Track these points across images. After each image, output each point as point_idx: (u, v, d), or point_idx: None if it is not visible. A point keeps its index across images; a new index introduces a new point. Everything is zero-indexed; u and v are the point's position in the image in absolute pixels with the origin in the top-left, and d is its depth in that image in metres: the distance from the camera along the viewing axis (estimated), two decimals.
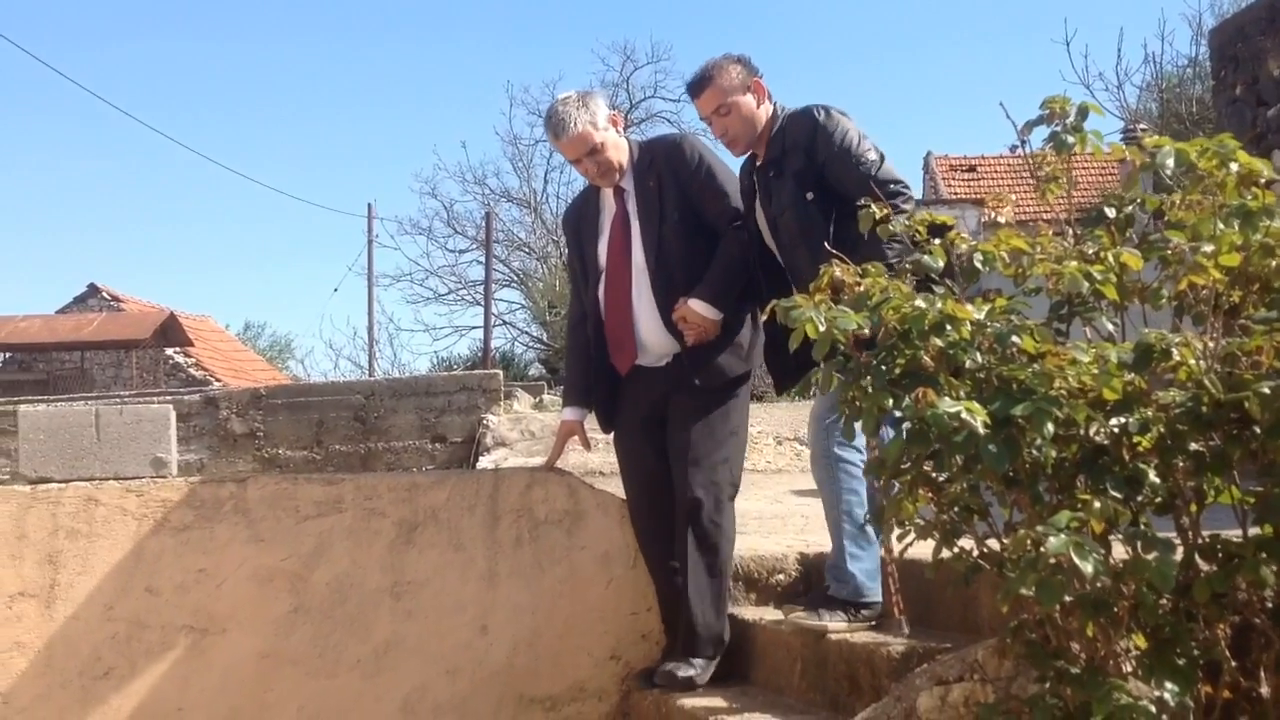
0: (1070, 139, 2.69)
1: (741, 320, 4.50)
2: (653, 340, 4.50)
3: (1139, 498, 2.42)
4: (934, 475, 2.55)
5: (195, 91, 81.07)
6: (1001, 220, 2.94)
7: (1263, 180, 2.61)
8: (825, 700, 3.92)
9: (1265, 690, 2.46)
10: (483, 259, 33.85)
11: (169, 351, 30.83)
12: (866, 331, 2.56)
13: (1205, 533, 2.47)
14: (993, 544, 2.61)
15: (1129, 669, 2.40)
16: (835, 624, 3.96)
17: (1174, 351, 2.39)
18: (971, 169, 32.01)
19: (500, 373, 11.59)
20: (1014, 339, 2.46)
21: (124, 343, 29.14)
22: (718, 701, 4.15)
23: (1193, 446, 2.38)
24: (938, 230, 2.88)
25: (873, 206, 3.03)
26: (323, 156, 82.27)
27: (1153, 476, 2.40)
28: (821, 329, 2.50)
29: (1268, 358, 2.31)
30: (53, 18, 75.92)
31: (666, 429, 4.52)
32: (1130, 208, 2.77)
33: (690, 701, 4.20)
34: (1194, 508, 2.46)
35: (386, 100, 79.32)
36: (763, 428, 10.04)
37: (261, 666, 4.62)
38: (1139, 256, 2.57)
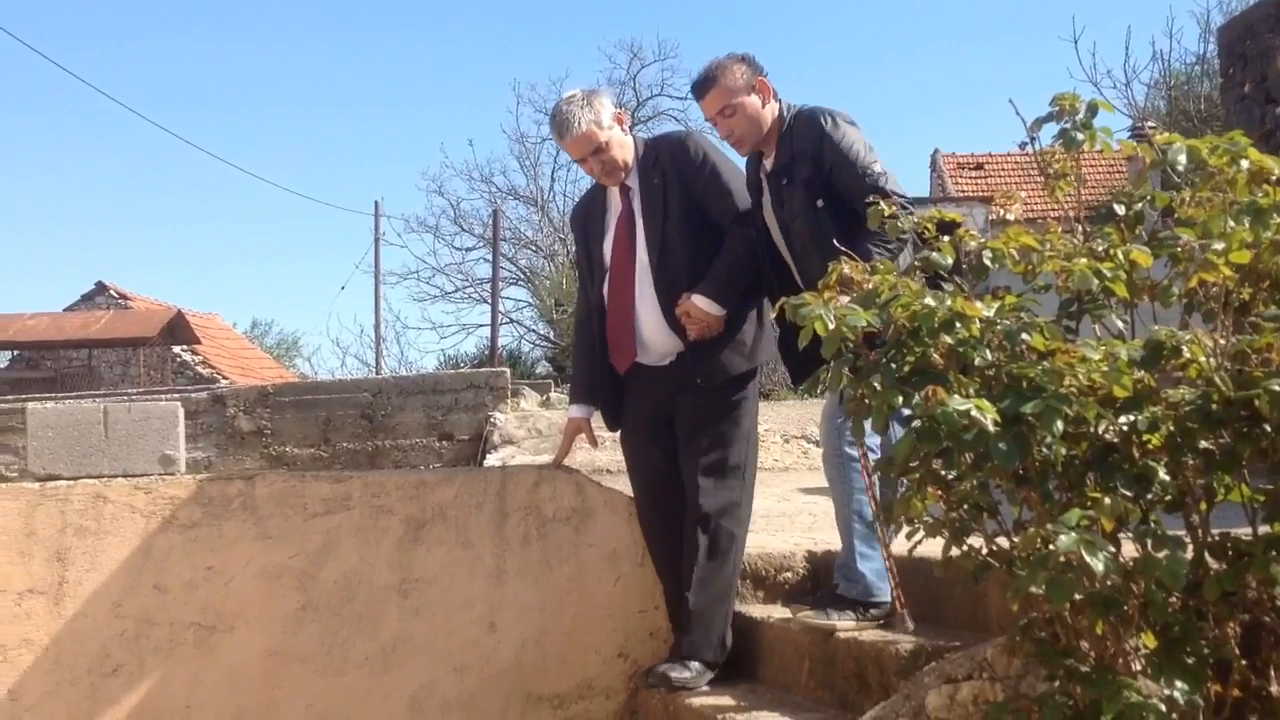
0: (1080, 136, 2.68)
1: (745, 318, 4.49)
2: (655, 339, 4.49)
3: (1149, 496, 2.41)
4: (943, 473, 2.55)
5: (202, 90, 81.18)
6: (1010, 218, 2.93)
7: (1274, 177, 2.60)
8: (834, 698, 3.92)
9: (1275, 689, 2.45)
10: (489, 257, 33.89)
11: (176, 349, 30.88)
12: (877, 328, 2.56)
13: (1215, 531, 2.46)
14: (1002, 542, 2.61)
15: (1138, 667, 2.39)
16: (844, 622, 3.96)
17: (1184, 349, 2.38)
18: (979, 166, 31.96)
19: (507, 370, 11.61)
20: (1024, 336, 2.45)
21: (131, 340, 29.19)
22: (726, 700, 4.15)
23: (1203, 444, 2.37)
24: (947, 228, 2.88)
25: (881, 204, 3.04)
26: (329, 154, 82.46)
27: (1162, 474, 2.39)
28: (830, 326, 2.50)
29: (1278, 355, 2.31)
30: (59, 16, 76.09)
31: (675, 431, 4.51)
32: (1140, 205, 2.77)
33: (698, 700, 4.20)
34: (1204, 506, 2.45)
35: (393, 98, 79.51)
36: (770, 425, 10.03)
37: (269, 664, 4.63)
38: (1149, 254, 2.57)
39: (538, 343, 38.07)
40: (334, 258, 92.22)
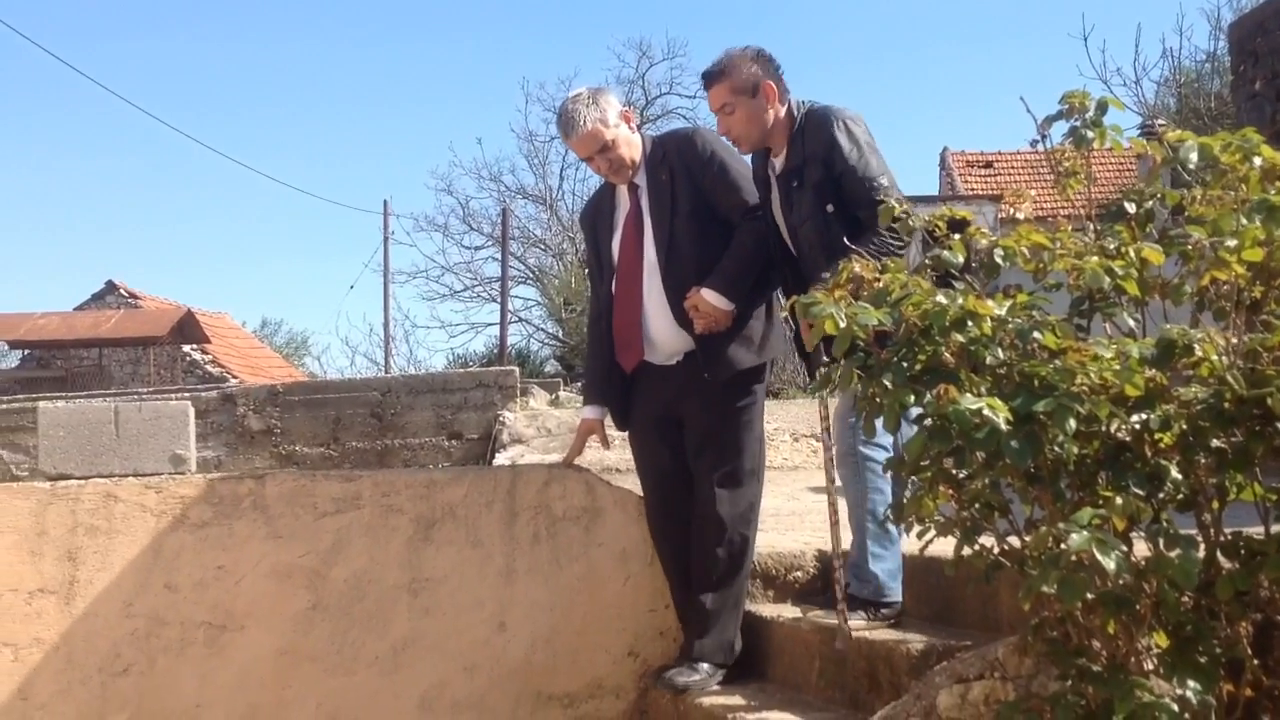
0: (1090, 134, 2.67)
1: (754, 312, 4.48)
2: (663, 337, 4.49)
3: (1161, 495, 2.40)
4: (954, 472, 2.54)
5: (212, 89, 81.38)
6: (1021, 216, 2.92)
7: None
8: (844, 698, 3.91)
9: None
10: (498, 255, 33.91)
11: (186, 348, 30.94)
12: (887, 327, 2.55)
13: (1227, 530, 2.45)
14: (1013, 541, 2.60)
15: (1150, 667, 2.39)
16: (855, 622, 3.96)
17: (1196, 347, 2.37)
18: (988, 165, 31.91)
19: (516, 369, 11.61)
20: (1035, 335, 2.45)
21: (141, 340, 29.27)
22: (736, 699, 4.15)
23: (1215, 443, 2.36)
24: (957, 226, 2.87)
25: (891, 201, 3.03)
26: (339, 153, 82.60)
27: (1174, 473, 2.38)
28: (842, 325, 2.49)
29: None
30: (69, 14, 76.26)
31: (684, 433, 4.51)
32: (1150, 203, 2.76)
33: (708, 699, 4.20)
34: (1216, 504, 2.44)
35: (402, 97, 79.61)
36: (779, 424, 10.02)
37: (280, 663, 4.64)
38: (1160, 252, 2.56)
39: (546, 341, 38.12)
40: (343, 257, 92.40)
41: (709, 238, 4.44)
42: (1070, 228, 2.78)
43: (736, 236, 4.41)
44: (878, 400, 2.53)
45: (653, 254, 4.49)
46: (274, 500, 4.70)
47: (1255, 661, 2.42)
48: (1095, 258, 2.56)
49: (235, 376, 29.18)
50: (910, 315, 2.52)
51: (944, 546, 2.75)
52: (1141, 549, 2.32)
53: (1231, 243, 2.42)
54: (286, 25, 79.58)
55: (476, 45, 75.71)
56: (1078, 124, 2.68)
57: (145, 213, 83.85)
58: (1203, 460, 2.38)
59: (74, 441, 4.95)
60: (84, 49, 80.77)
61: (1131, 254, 2.57)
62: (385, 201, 36.71)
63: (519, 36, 73.52)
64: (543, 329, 38.29)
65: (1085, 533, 2.16)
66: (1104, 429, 2.40)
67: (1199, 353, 2.37)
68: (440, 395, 10.58)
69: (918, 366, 2.51)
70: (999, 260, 2.71)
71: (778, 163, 4.29)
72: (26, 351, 31.67)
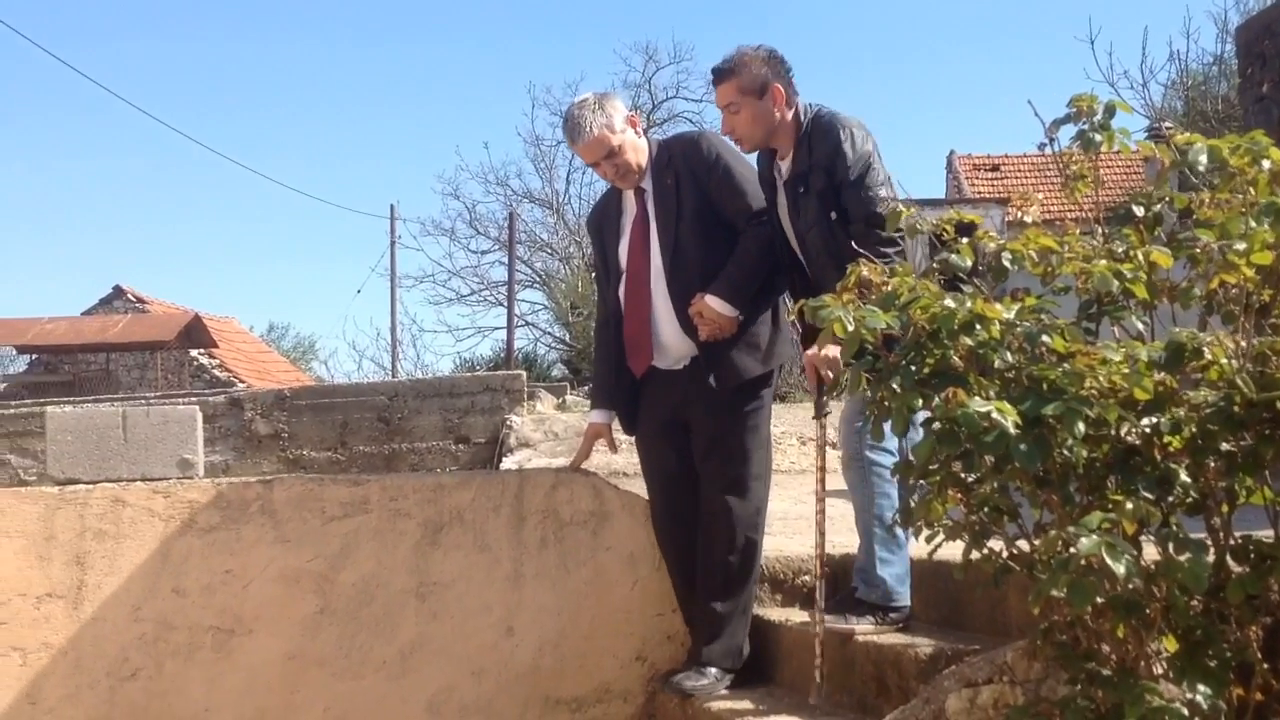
0: (1098, 137, 2.67)
1: (760, 319, 4.46)
2: (671, 342, 4.48)
3: (1170, 498, 2.40)
4: (963, 476, 2.54)
5: (218, 93, 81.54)
6: (1028, 220, 2.92)
7: None
8: (852, 702, 3.91)
9: None
10: (505, 260, 33.93)
11: (193, 353, 30.99)
12: (896, 330, 2.55)
13: (1237, 533, 2.45)
14: (1022, 545, 2.60)
15: (1160, 671, 2.38)
16: (862, 626, 3.95)
17: (1205, 351, 2.37)
18: (995, 168, 31.89)
19: (523, 373, 11.59)
20: (1044, 338, 2.44)
21: (149, 344, 29.32)
22: (744, 704, 4.14)
23: (1224, 446, 2.36)
24: (965, 229, 2.87)
25: (899, 204, 3.03)
26: (345, 158, 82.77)
27: (1184, 477, 2.38)
28: (850, 328, 2.49)
29: None
30: (73, 17, 76.44)
31: (691, 438, 4.50)
32: (1159, 206, 2.75)
33: (716, 703, 4.19)
34: (1225, 508, 2.44)
35: (408, 101, 79.71)
36: (786, 428, 10.01)
37: (288, 667, 4.63)
38: (1169, 255, 2.55)
39: (553, 345, 38.09)
40: (350, 261, 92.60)
41: (714, 242, 4.42)
42: (1078, 231, 2.78)
43: (741, 243, 4.40)
44: (886, 404, 2.52)
45: (659, 259, 4.49)
46: (282, 505, 4.70)
47: (1265, 665, 2.42)
48: (1104, 261, 2.56)
49: (242, 381, 29.22)
50: (918, 318, 2.52)
51: (952, 550, 2.75)
52: (1150, 553, 2.31)
53: (1240, 246, 2.41)
54: (294, 29, 79.80)
55: (483, 49, 75.87)
56: (1086, 127, 2.68)
57: (152, 217, 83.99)
58: (1212, 464, 2.38)
59: (82, 446, 4.95)
60: (90, 52, 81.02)
61: (1140, 257, 2.57)
62: (392, 206, 36.63)
63: (525, 41, 73.69)
64: (549, 333, 38.30)
65: (1095, 536, 2.16)
66: (1113, 432, 2.40)
67: (1208, 356, 2.37)
68: (447, 399, 10.57)
69: (926, 370, 2.51)
70: (1007, 263, 2.71)
71: (784, 166, 4.28)
72: (34, 356, 31.74)
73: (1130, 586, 2.23)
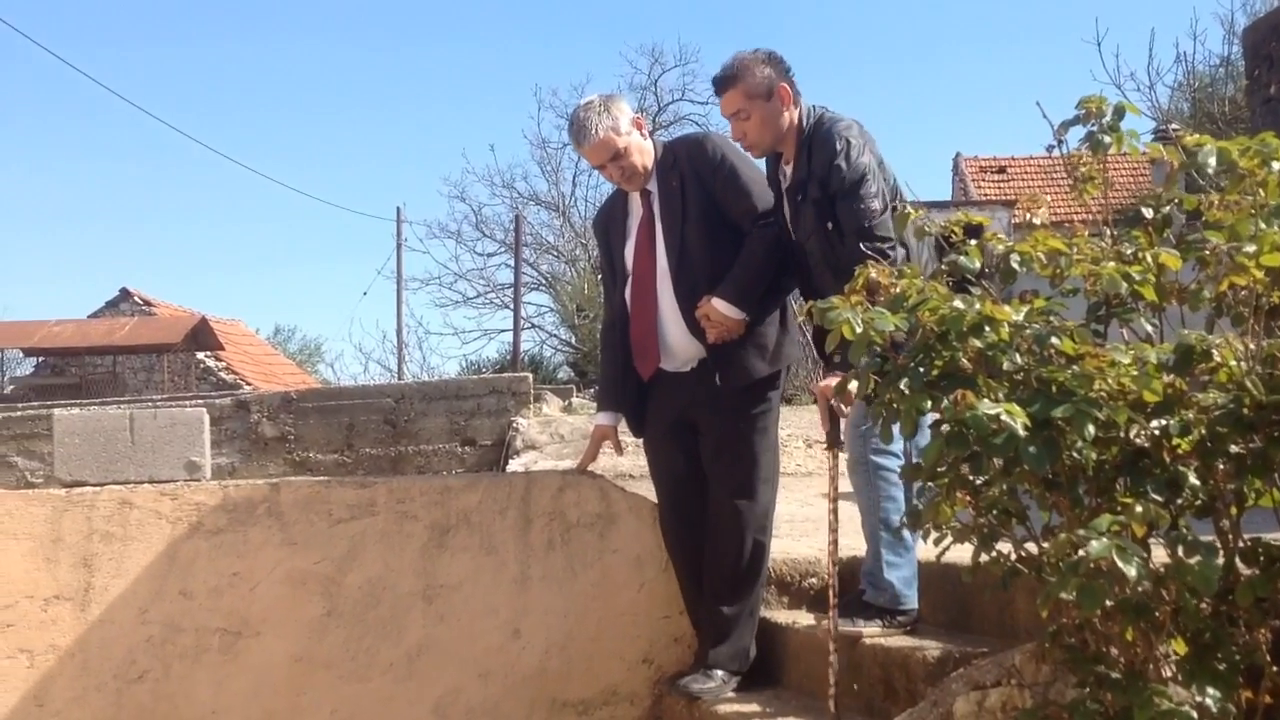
0: (1106, 139, 2.67)
1: (767, 320, 4.46)
2: (678, 344, 4.47)
3: (1179, 501, 2.39)
4: (971, 478, 2.53)
5: (225, 95, 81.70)
6: (1037, 221, 2.91)
7: None
8: (860, 705, 3.90)
9: None
10: (511, 262, 33.92)
11: (200, 355, 31.03)
12: (904, 332, 2.54)
13: (1246, 536, 2.44)
14: (1030, 548, 2.59)
15: (1169, 674, 2.38)
16: (870, 629, 3.95)
17: (1214, 353, 2.36)
18: (1001, 170, 31.87)
19: (529, 376, 11.57)
20: (1053, 340, 2.44)
21: (155, 347, 29.36)
22: (751, 706, 4.14)
23: (1233, 449, 2.35)
24: (973, 232, 2.86)
25: (907, 207, 3.03)
26: (352, 160, 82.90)
27: (1193, 479, 2.37)
28: (858, 330, 2.48)
29: None
30: (80, 20, 76.57)
31: (699, 440, 4.50)
32: (1168, 208, 2.75)
33: (724, 706, 4.19)
34: (1234, 510, 2.43)
35: (415, 104, 79.82)
36: (792, 430, 10.00)
37: (294, 670, 4.64)
38: (1178, 257, 2.55)
39: (559, 348, 38.09)
40: (356, 264, 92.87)
41: (720, 244, 4.41)
42: (1087, 233, 2.77)
43: (747, 244, 4.38)
44: (894, 406, 2.52)
45: (665, 261, 4.48)
46: (289, 507, 4.70)
47: (1275, 668, 2.41)
48: (1112, 263, 2.56)
49: (249, 383, 29.27)
50: (927, 320, 2.51)
51: (961, 553, 2.74)
52: (1159, 555, 2.31)
53: (1250, 248, 2.41)
54: (300, 32, 79.93)
55: (489, 52, 75.99)
56: (1095, 129, 2.68)
57: (159, 220, 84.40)
58: (1221, 466, 2.37)
59: (89, 448, 4.95)
60: (96, 55, 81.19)
61: (1149, 259, 2.56)
62: (398, 208, 36.95)
63: (532, 43, 73.74)
64: (556, 335, 38.31)
65: (1105, 539, 2.15)
66: (1122, 435, 2.40)
67: (1217, 358, 2.36)
68: (454, 402, 10.56)
69: (934, 372, 2.50)
70: (1015, 265, 2.70)
71: (788, 170, 4.27)
72: (41, 359, 31.81)
73: (1140, 589, 2.23)
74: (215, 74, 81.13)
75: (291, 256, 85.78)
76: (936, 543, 2.72)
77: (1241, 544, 2.43)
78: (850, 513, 4.18)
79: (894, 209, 3.93)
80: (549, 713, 4.70)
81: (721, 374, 4.37)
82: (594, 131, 4.40)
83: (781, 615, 4.60)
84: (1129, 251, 2.63)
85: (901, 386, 2.49)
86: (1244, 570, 2.38)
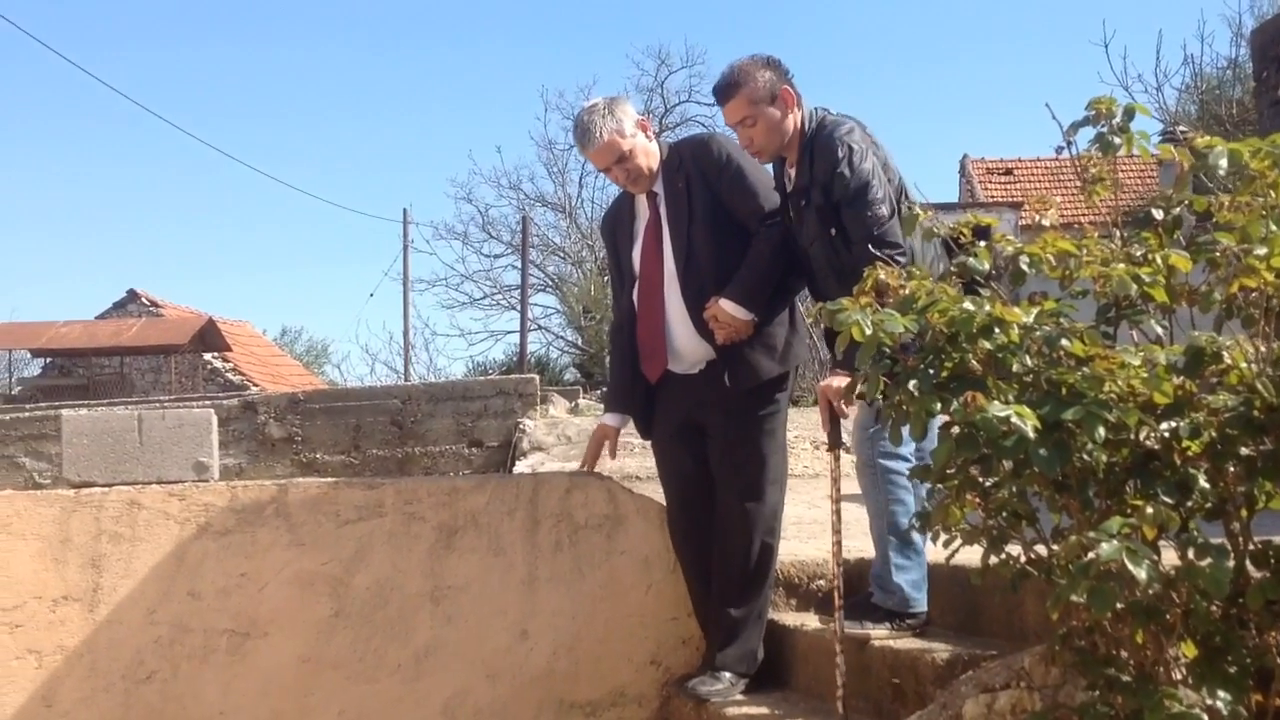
0: (1117, 140, 2.66)
1: (776, 320, 4.45)
2: (686, 346, 4.46)
3: (1189, 503, 2.39)
4: (981, 480, 2.53)
5: (232, 97, 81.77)
6: (1046, 223, 2.91)
7: None
8: (869, 707, 3.90)
9: None
10: (518, 264, 33.89)
11: (207, 356, 31.10)
12: (913, 334, 2.54)
13: (1256, 538, 2.43)
14: (1040, 550, 2.59)
15: (1179, 677, 2.37)
16: (878, 631, 3.94)
17: (1225, 355, 2.36)
18: (1008, 172, 31.82)
19: (536, 377, 11.58)
20: (1063, 342, 2.43)
21: (163, 348, 29.43)
22: (760, 709, 4.14)
23: (1244, 451, 2.35)
24: (982, 233, 2.86)
25: (915, 207, 3.02)
26: (359, 162, 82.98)
27: (1203, 482, 2.36)
28: (868, 332, 2.48)
29: None
30: (90, 23, 76.71)
31: (707, 442, 4.49)
32: (1178, 209, 2.74)
33: (732, 708, 4.19)
34: (1245, 513, 2.43)
35: (422, 106, 79.83)
36: (799, 432, 9.98)
37: (302, 670, 4.64)
38: (1188, 258, 2.54)
39: (566, 349, 38.11)
40: (363, 265, 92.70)
41: (727, 244, 4.40)
42: (1097, 234, 2.76)
43: (754, 245, 4.38)
44: (904, 408, 2.51)
45: (672, 263, 4.47)
46: (296, 508, 4.70)
47: None
48: (1122, 265, 2.55)
49: (256, 384, 29.32)
50: (937, 322, 2.51)
51: (970, 555, 2.74)
52: (1169, 558, 2.30)
53: (1260, 250, 2.40)
54: (306, 34, 80.00)
55: (496, 53, 75.96)
56: (1104, 130, 2.67)
57: (166, 221, 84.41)
58: (1232, 468, 2.37)
59: (97, 449, 4.95)
60: (103, 57, 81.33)
61: (1159, 261, 2.56)
62: (405, 210, 36.77)
63: (538, 45, 73.79)
64: (562, 337, 38.31)
65: (1115, 542, 2.15)
66: (1132, 437, 2.39)
67: (1228, 360, 2.36)
68: (460, 403, 10.56)
69: (944, 374, 2.50)
70: (1025, 267, 2.70)
71: (792, 173, 4.26)
72: (49, 360, 31.87)
73: (1150, 592, 2.22)
74: (223, 76, 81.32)
75: (298, 258, 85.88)
76: (946, 545, 2.72)
77: (1252, 546, 2.42)
78: (858, 515, 4.18)
79: (901, 209, 3.92)
80: (556, 714, 4.70)
81: (731, 374, 4.37)
82: (599, 134, 4.39)
83: (789, 617, 4.60)
84: (1139, 253, 2.62)
85: (911, 388, 2.48)
86: (1255, 573, 2.38)
